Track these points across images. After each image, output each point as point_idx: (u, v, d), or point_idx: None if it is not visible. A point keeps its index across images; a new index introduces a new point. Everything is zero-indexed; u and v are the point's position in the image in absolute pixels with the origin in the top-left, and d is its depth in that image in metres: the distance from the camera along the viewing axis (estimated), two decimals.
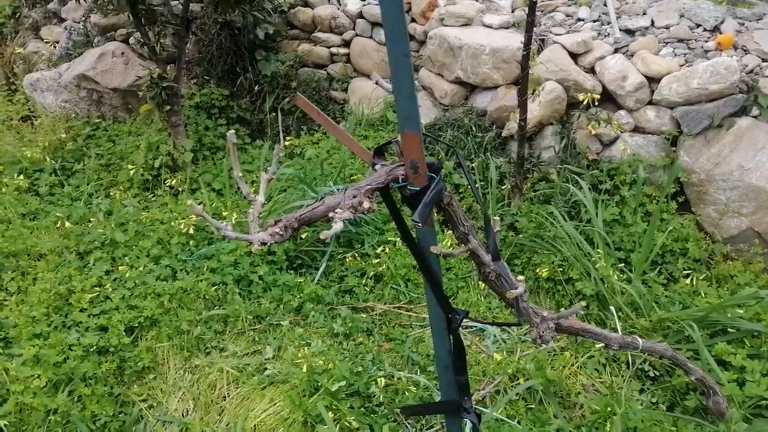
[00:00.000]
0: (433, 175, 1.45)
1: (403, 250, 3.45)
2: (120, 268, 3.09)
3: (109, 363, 2.66)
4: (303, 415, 2.39)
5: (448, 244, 3.30)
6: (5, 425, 2.44)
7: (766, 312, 2.53)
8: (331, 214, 1.40)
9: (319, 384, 2.48)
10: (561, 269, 2.97)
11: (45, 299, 2.88)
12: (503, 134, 4.04)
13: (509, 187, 3.68)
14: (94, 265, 3.17)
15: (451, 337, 1.62)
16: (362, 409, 2.47)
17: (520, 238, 3.32)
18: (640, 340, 1.75)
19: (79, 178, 4.24)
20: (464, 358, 1.66)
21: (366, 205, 1.38)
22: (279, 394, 2.52)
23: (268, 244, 1.42)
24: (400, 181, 1.44)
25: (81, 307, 2.87)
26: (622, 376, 2.57)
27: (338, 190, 1.39)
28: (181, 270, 3.14)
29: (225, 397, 2.62)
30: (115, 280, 3.11)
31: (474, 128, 4.10)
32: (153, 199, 4.01)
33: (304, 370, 2.47)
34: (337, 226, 1.30)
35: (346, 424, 2.32)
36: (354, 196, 1.39)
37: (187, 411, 2.60)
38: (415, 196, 1.43)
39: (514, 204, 3.61)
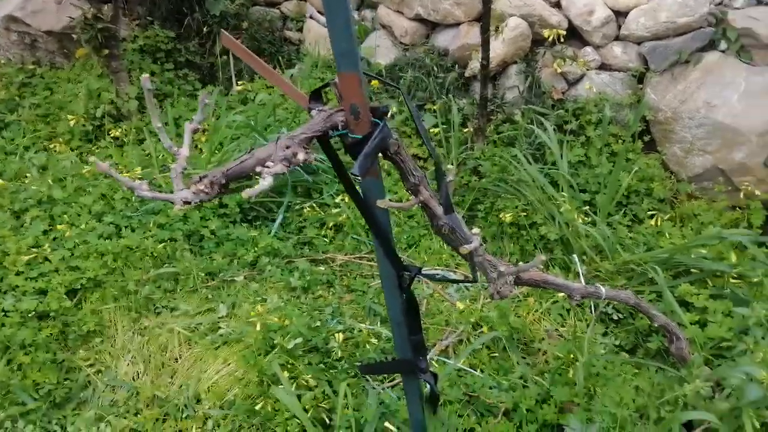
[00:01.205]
0: (378, 120, 1.30)
1: None
2: (59, 227, 2.88)
3: (51, 328, 2.50)
4: (258, 375, 2.29)
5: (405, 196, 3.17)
6: None
7: (728, 251, 2.49)
8: (259, 168, 1.25)
9: (275, 342, 2.37)
10: (525, 214, 2.88)
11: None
12: (466, 74, 3.87)
13: (472, 129, 3.54)
14: (30, 224, 2.95)
15: (404, 296, 1.51)
16: (321, 365, 2.38)
17: (483, 183, 3.21)
18: (603, 289, 1.67)
19: (14, 131, 3.93)
20: (418, 316, 1.56)
21: (301, 156, 1.23)
22: (233, 354, 2.41)
23: (192, 203, 1.27)
24: (341, 128, 1.29)
25: (17, 270, 2.68)
26: (586, 321, 2.52)
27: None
28: (126, 227, 2.95)
29: (177, 358, 2.50)
30: (54, 239, 2.90)
31: (435, 68, 3.90)
32: (96, 151, 3.75)
33: (258, 328, 2.35)
34: (265, 183, 1.15)
35: (303, 382, 2.22)
36: (287, 147, 1.23)
37: (138, 374, 2.48)
38: (358, 145, 1.28)
39: (477, 147, 3.47)
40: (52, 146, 3.77)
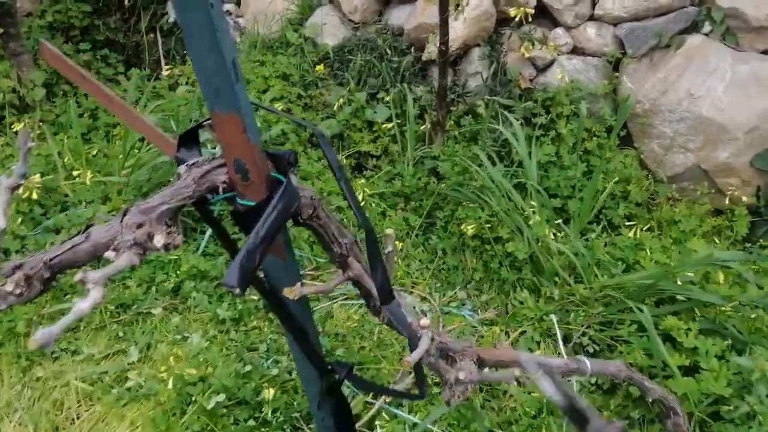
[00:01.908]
0: (280, 176, 0.89)
1: None
2: None
3: None
4: None
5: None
6: None
7: (716, 272, 2.18)
8: (107, 253, 0.84)
9: (194, 398, 1.97)
10: (489, 226, 2.52)
11: None
12: (423, 58, 3.44)
13: (430, 123, 3.14)
14: None
15: (331, 399, 1.12)
16: (251, 421, 1.99)
17: (442, 187, 2.82)
18: (587, 363, 1.32)
19: None
20: (351, 420, 1.18)
21: (159, 239, 0.81)
22: (142, 414, 2.01)
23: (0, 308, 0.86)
24: (222, 191, 0.88)
25: None
26: (558, 354, 2.19)
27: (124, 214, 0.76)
28: (19, 251, 2.48)
29: (75, 419, 2.08)
30: None
31: (389, 51, 3.46)
32: None
33: (171, 385, 1.95)
34: (93, 295, 0.75)
35: None
36: (139, 226, 0.82)
37: None
38: (249, 216, 0.87)
39: (436, 144, 3.08)
40: None
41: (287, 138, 3.29)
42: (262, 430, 1.98)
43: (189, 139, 0.91)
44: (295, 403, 2.08)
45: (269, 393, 1.93)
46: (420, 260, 2.68)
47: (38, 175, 2.73)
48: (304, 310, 1.07)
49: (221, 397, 1.96)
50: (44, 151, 2.94)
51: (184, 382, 1.98)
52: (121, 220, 0.80)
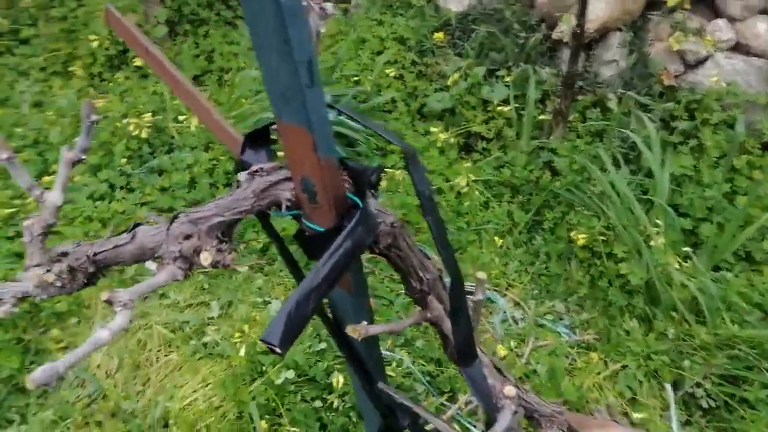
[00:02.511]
0: (357, 200, 0.74)
1: (407, 182, 2.75)
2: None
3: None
4: (236, 407, 1.87)
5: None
6: None
7: None
8: (150, 266, 0.75)
9: (264, 368, 1.93)
10: (603, 239, 2.26)
11: None
12: (554, 37, 3.13)
13: (551, 111, 2.86)
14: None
15: None
16: (317, 401, 1.93)
17: (556, 185, 2.58)
18: None
19: (35, 47, 3.51)
20: None
21: (206, 258, 0.69)
22: (214, 373, 2.00)
23: (37, 298, 0.78)
24: (285, 208, 0.74)
25: None
26: (664, 399, 1.95)
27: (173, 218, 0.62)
28: (123, 187, 2.52)
29: (154, 361, 2.11)
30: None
31: (516, 25, 3.18)
32: (119, 81, 3.29)
33: (242, 352, 1.91)
34: (119, 320, 0.65)
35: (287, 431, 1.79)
36: (187, 237, 0.70)
37: (109, 372, 2.11)
38: (317, 241, 0.74)
39: (555, 136, 2.81)
40: (71, 70, 3.34)
41: (396, 106, 3.14)
42: (328, 413, 1.91)
43: (258, 139, 0.78)
44: None
45: (339, 380, 1.85)
46: (520, 261, 2.48)
47: (150, 113, 2.76)
48: (371, 349, 0.93)
49: (291, 373, 1.90)
50: (160, 89, 2.97)
51: (256, 350, 1.94)
52: (168, 228, 0.69)
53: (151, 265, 0.76)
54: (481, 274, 0.77)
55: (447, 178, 2.80)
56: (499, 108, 2.97)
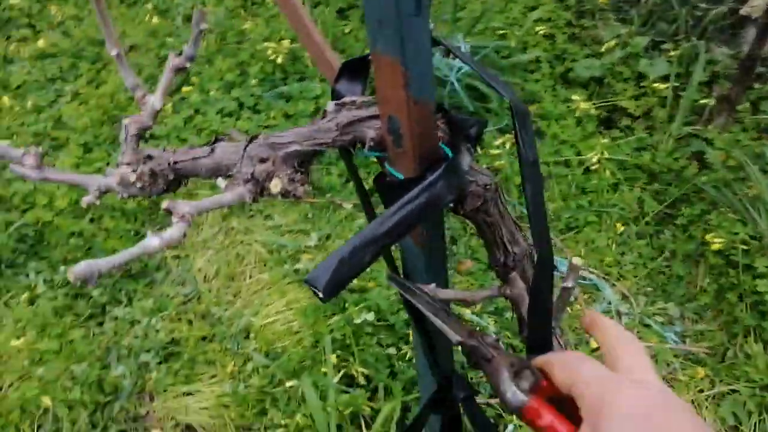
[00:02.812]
0: (448, 149, 0.65)
1: None
2: (184, 89, 2.62)
3: (141, 198, 2.33)
4: (313, 336, 1.90)
5: None
6: (26, 235, 2.27)
7: None
8: (220, 182, 0.72)
9: (346, 305, 1.94)
10: (745, 248, 1.96)
11: (102, 105, 2.54)
12: (741, 12, 2.71)
13: (717, 96, 2.51)
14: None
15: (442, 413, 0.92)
16: (392, 349, 1.91)
17: (702, 180, 2.27)
18: None
19: None
20: None
21: (276, 185, 0.65)
22: (298, 300, 2.04)
23: (120, 196, 0.78)
24: (368, 148, 0.67)
25: None
26: None
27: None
28: (251, 108, 2.61)
29: (248, 277, 2.19)
30: (182, 99, 2.67)
31: None
32: (269, 6, 3.37)
33: None
34: (174, 232, 0.62)
35: (354, 372, 1.79)
36: (262, 161, 0.66)
37: (207, 278, 2.24)
38: (396, 191, 0.66)
39: (716, 125, 2.46)
40: None
41: (539, 67, 2.93)
42: (399, 363, 1.88)
43: (355, 69, 0.70)
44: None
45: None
46: (640, 253, 2.24)
47: (289, 40, 2.80)
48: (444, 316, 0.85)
49: (371, 315, 1.88)
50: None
51: None
52: (245, 148, 0.64)
53: (221, 182, 0.73)
54: (577, 260, 0.67)
55: (579, 151, 2.58)
56: (655, 85, 2.66)
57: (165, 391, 1.90)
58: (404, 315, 1.94)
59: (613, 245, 2.28)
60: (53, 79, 2.93)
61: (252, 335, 2.00)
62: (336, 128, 0.64)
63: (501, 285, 0.74)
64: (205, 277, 2.23)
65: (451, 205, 0.68)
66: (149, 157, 0.75)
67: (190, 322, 2.08)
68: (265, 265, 2.20)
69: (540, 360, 0.54)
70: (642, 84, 2.75)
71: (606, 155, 2.47)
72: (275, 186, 0.63)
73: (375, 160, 0.71)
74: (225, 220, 2.38)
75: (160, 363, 1.96)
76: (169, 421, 1.86)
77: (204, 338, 2.03)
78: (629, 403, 0.43)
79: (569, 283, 0.67)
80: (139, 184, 0.74)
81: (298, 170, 0.65)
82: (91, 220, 2.31)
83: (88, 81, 2.86)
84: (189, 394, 1.91)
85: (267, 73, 2.72)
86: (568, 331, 2.03)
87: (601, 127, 2.75)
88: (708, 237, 2.06)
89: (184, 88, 2.64)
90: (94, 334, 2.05)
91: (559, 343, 0.72)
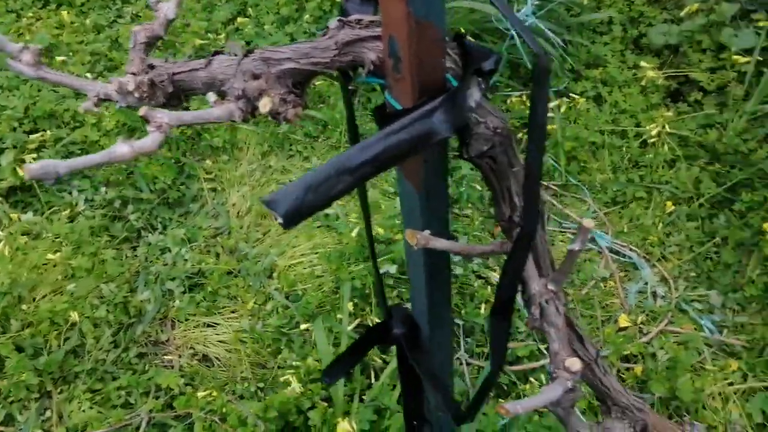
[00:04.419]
0: (453, 80, 0.59)
1: (590, 115, 2.44)
2: (240, 20, 2.59)
3: (185, 128, 2.34)
4: (334, 282, 1.89)
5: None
6: (72, 153, 2.33)
7: None
8: (211, 97, 0.68)
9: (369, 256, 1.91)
10: None
11: None
12: None
13: None
14: (221, 6, 2.71)
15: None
16: (409, 303, 1.88)
17: (765, 159, 2.09)
18: None
19: None
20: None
21: (266, 104, 0.61)
22: (324, 245, 2.02)
23: (118, 105, 0.76)
24: (366, 72, 0.61)
25: (184, 52, 2.50)
26: None
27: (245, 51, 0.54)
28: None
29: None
30: (236, 30, 2.64)
31: None
32: None
33: (354, 233, 1.89)
34: (148, 141, 0.59)
35: (369, 322, 1.77)
36: (255, 77, 0.61)
37: (240, 213, 2.25)
38: (391, 120, 0.60)
39: None
40: None
41: (611, 29, 2.74)
42: None
43: None
44: (463, 311, 1.89)
45: None
46: (687, 235, 2.11)
47: None
48: (437, 277, 0.78)
49: (394, 268, 1.85)
50: None
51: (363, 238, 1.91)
52: (239, 62, 0.60)
53: (211, 96, 0.70)
54: (589, 222, 0.58)
55: (638, 122, 2.42)
56: (736, 58, 2.44)
57: (186, 320, 1.94)
58: None
59: (660, 224, 2.15)
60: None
61: (275, 275, 2.01)
62: (335, 47, 0.58)
63: (504, 241, 0.68)
64: (238, 212, 2.25)
65: (457, 148, 0.62)
66: (151, 67, 0.72)
67: (217, 256, 2.11)
68: None
69: None
70: (721, 56, 2.53)
71: (667, 129, 2.31)
72: (264, 105, 0.59)
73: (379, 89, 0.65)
74: (264, 157, 2.37)
75: (184, 292, 2.00)
76: (188, 349, 1.90)
77: (229, 273, 2.06)
78: None
79: (576, 246, 0.61)
80: (137, 94, 0.71)
81: (292, 91, 0.61)
82: None
83: (146, 4, 2.87)
84: (209, 325, 1.95)
85: (324, 11, 2.65)
86: (597, 307, 1.95)
87: (668, 99, 2.57)
88: (766, 226, 1.90)
89: (240, 19, 2.60)
90: (126, 257, 2.11)
91: (557, 310, 0.66)
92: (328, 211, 2.12)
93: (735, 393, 1.70)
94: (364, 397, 1.64)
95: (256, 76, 0.60)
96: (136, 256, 2.12)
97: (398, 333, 0.82)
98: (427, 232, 0.62)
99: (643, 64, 2.58)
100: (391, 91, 0.59)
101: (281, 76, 0.59)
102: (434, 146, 0.58)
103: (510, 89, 2.59)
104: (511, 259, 0.62)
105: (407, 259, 0.82)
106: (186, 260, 2.07)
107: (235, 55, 0.66)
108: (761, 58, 2.39)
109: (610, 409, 0.77)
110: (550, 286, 0.65)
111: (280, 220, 0.49)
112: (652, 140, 2.32)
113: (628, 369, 1.75)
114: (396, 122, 0.53)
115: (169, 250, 2.11)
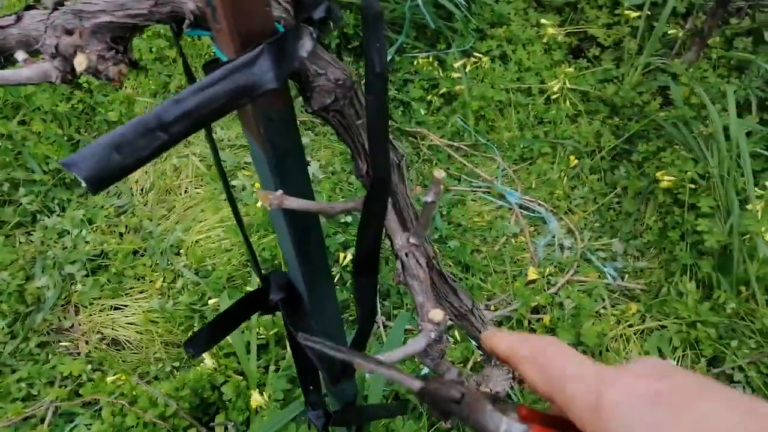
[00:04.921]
0: (280, 27, 0.55)
1: (496, 74, 2.47)
2: None
3: (77, 102, 2.19)
4: (244, 255, 1.85)
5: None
6: None
7: None
8: (19, 56, 0.62)
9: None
10: (693, 187, 1.92)
11: None
12: None
13: (689, 29, 2.39)
14: None
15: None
16: None
17: (661, 116, 2.19)
18: None
19: None
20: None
21: (81, 62, 0.55)
22: (231, 218, 1.96)
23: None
24: (188, 24, 0.57)
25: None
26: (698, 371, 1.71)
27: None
28: None
29: (185, 191, 2.11)
30: None
31: None
32: None
33: (260, 205, 1.85)
34: None
35: None
36: (69, 33, 0.55)
37: (143, 190, 2.15)
38: (209, 70, 0.56)
39: (685, 59, 2.36)
40: None
41: None
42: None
43: None
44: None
45: (347, 256, 1.75)
46: (591, 188, 2.19)
47: None
48: (315, 228, 0.76)
49: None
50: None
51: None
52: (50, 15, 0.54)
53: (20, 55, 0.63)
54: (439, 173, 0.57)
55: (543, 79, 2.47)
56: (628, 12, 2.52)
57: (91, 304, 1.85)
58: (339, 239, 1.88)
59: (565, 178, 2.23)
60: None
61: (183, 251, 1.94)
62: None
63: (365, 198, 0.67)
64: (141, 189, 2.15)
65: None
66: None
67: (121, 235, 2.01)
68: (201, 180, 2.12)
69: (501, 348, 0.41)
70: (616, 12, 2.61)
71: (569, 85, 2.37)
72: (80, 63, 0.54)
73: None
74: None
75: (86, 275, 1.90)
76: (95, 334, 1.82)
77: (135, 252, 1.97)
78: (638, 385, 0.32)
79: (430, 198, 0.60)
80: None
81: (112, 47, 0.55)
82: (22, 123, 2.17)
83: None
84: (116, 308, 1.86)
85: None
86: (509, 263, 2.00)
87: (569, 56, 2.64)
88: (659, 174, 2.00)
89: None
90: (19, 243, 1.97)
91: (417, 262, 0.65)
92: (233, 182, 2.06)
93: (635, 334, 1.80)
94: (280, 367, 1.63)
95: (69, 32, 0.54)
96: (31, 241, 1.98)
97: (275, 299, 0.80)
98: (279, 192, 0.60)
99: (544, 21, 2.63)
100: (216, 43, 0.55)
101: (96, 30, 0.54)
102: (269, 100, 0.55)
103: (417, 50, 2.58)
104: (367, 212, 0.61)
105: (272, 221, 0.79)
106: (87, 242, 1.96)
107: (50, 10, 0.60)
108: (650, 13, 2.48)
109: (489, 357, 0.79)
110: (412, 239, 0.64)
111: (84, 184, 0.45)
112: (555, 96, 2.38)
113: (538, 320, 1.82)
114: (212, 73, 0.50)
115: (68, 233, 1.99)
